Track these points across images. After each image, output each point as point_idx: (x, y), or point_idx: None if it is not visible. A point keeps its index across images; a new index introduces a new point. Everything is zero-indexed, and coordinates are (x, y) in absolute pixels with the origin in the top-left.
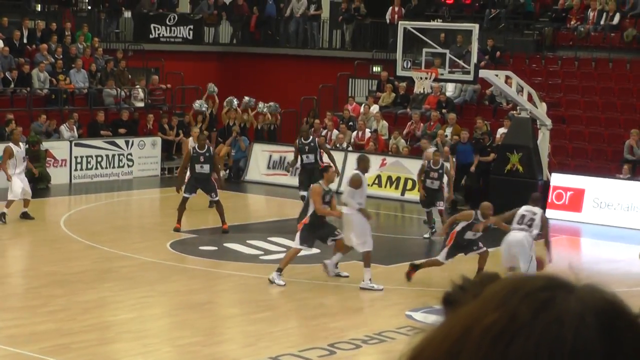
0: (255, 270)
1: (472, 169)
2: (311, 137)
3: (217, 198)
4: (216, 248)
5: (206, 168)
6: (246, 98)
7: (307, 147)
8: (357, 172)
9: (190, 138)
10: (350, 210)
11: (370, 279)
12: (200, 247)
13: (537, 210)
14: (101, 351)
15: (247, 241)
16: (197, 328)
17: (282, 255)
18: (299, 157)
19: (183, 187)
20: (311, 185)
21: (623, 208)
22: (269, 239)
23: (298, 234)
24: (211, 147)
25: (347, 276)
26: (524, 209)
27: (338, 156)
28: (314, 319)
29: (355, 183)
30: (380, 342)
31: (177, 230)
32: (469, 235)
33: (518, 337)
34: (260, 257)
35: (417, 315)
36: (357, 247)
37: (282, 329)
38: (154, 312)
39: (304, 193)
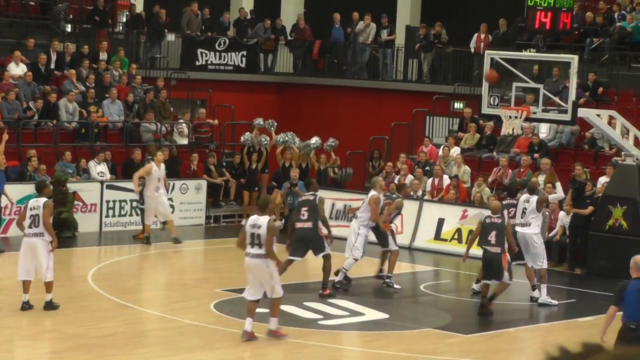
0: (312, 337)
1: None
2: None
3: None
4: (268, 310)
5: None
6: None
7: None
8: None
9: (152, 163)
10: None
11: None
12: None
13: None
14: None
15: (304, 303)
16: None
17: (344, 321)
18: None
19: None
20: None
21: None
22: (329, 300)
23: None
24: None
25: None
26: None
27: (412, 205)
28: None
29: None
30: None
31: None
32: None
33: None
34: (319, 322)
35: None
36: None
37: None
38: None
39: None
